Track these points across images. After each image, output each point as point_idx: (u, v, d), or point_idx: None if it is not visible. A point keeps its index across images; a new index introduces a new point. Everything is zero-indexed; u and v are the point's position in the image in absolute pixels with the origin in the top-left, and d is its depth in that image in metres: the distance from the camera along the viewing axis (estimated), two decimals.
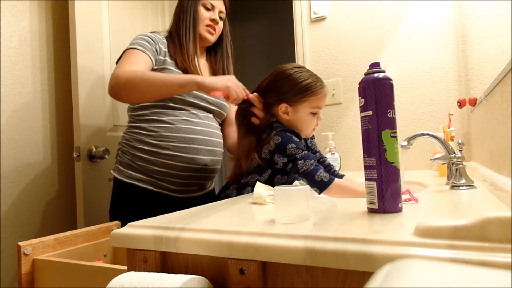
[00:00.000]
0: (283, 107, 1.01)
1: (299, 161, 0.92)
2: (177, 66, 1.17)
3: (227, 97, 1.03)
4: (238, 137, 1.08)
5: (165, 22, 1.90)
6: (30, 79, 1.50)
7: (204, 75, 1.21)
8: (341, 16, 1.73)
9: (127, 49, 1.14)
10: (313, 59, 1.79)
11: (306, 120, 1.02)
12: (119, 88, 1.06)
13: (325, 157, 1.22)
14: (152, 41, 1.16)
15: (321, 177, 0.90)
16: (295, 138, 0.97)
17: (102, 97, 1.55)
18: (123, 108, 1.65)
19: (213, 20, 1.21)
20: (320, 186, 0.90)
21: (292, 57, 1.80)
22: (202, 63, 1.26)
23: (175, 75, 1.09)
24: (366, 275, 0.42)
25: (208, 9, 1.21)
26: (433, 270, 0.24)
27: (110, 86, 1.08)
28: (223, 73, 1.29)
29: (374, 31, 1.65)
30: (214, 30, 1.22)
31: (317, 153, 1.19)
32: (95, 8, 1.54)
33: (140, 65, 1.10)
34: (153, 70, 1.14)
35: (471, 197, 0.69)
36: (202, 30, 1.21)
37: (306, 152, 0.95)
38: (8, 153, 1.41)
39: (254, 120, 1.06)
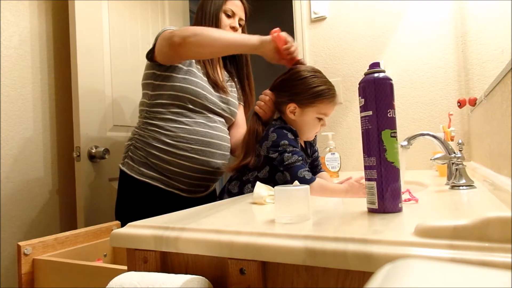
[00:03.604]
0: (291, 106, 1.03)
1: (286, 154, 0.95)
2: (199, 70, 1.18)
3: (281, 41, 1.01)
4: (245, 134, 1.10)
5: (165, 23, 1.90)
6: (30, 79, 1.50)
7: (222, 80, 1.26)
8: (341, 16, 1.73)
9: (163, 31, 1.12)
10: (313, 59, 1.79)
11: (310, 124, 1.04)
12: (186, 39, 1.03)
13: (318, 156, 1.22)
14: None
15: (303, 174, 0.92)
16: (290, 136, 0.99)
17: (102, 97, 1.55)
18: (123, 108, 1.65)
19: (233, 27, 1.24)
20: (301, 182, 0.90)
21: None
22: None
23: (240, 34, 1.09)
24: (366, 275, 0.42)
25: (228, 16, 1.24)
26: (433, 270, 0.24)
27: (173, 38, 1.04)
28: (248, 80, 1.35)
29: (374, 31, 1.65)
30: None
31: (316, 152, 1.19)
32: (95, 8, 1.54)
33: None
34: (180, 68, 1.15)
35: (471, 197, 0.69)
36: None
37: (297, 149, 0.97)
38: (8, 153, 1.41)
39: (258, 110, 1.08)
